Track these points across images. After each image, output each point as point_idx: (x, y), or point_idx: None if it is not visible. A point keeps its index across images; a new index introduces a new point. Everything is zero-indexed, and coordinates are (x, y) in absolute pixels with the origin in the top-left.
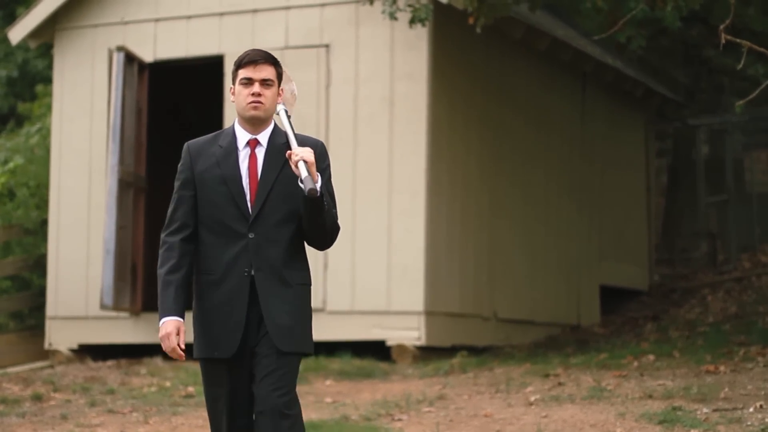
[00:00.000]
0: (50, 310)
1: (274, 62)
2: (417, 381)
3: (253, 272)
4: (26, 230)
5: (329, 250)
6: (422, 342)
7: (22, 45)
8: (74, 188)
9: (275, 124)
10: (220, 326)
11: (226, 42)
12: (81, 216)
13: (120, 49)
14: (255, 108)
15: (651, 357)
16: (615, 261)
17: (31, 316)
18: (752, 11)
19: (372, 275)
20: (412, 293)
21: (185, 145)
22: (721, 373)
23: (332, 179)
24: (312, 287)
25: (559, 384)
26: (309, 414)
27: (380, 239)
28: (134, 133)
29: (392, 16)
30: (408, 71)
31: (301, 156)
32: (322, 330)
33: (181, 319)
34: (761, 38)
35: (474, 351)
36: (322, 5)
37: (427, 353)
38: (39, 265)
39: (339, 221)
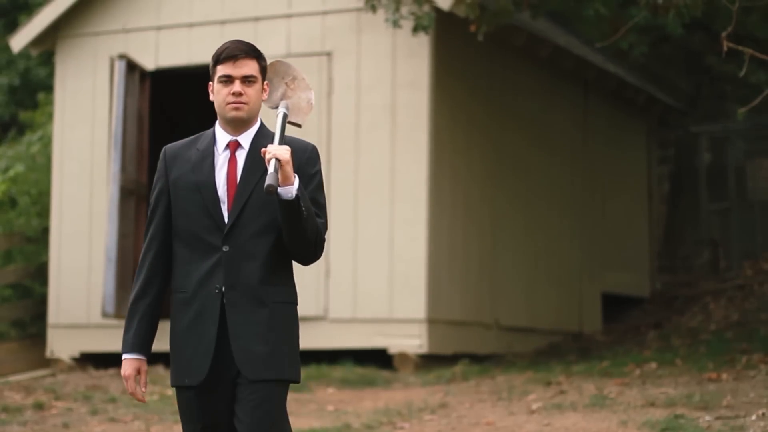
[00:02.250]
0: (52, 318)
1: (257, 55)
2: (419, 389)
3: (224, 289)
4: (28, 238)
5: (331, 258)
6: (424, 350)
7: (24, 53)
8: (76, 196)
9: (261, 124)
10: (191, 350)
11: None
12: (82, 224)
13: (121, 57)
14: (236, 109)
15: (653, 365)
16: (617, 268)
17: (32, 324)
18: (754, 18)
19: (374, 283)
20: (414, 301)
21: (163, 149)
22: (723, 380)
23: (332, 186)
24: (313, 295)
25: (561, 392)
26: (311, 422)
27: (382, 247)
28: (136, 141)
29: (396, 24)
30: (410, 79)
31: (274, 153)
32: (324, 338)
33: (142, 357)
34: (763, 45)
35: (476, 359)
36: (324, 13)
37: (429, 361)
38: (40, 273)
39: (342, 228)
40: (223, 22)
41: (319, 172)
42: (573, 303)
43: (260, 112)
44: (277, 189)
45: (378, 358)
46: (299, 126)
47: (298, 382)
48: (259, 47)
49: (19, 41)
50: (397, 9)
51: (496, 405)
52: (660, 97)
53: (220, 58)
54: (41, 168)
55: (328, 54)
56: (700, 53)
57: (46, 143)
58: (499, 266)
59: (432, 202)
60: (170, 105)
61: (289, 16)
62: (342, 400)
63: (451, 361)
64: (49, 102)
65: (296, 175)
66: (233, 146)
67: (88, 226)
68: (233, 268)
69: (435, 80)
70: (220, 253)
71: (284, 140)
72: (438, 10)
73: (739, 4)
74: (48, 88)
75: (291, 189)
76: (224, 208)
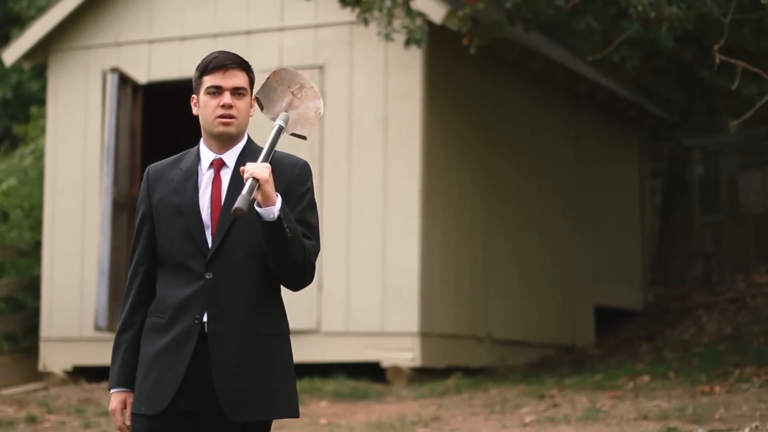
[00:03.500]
0: (44, 331)
1: (246, 67)
2: (412, 402)
3: (205, 320)
4: (20, 252)
5: (324, 271)
6: (417, 363)
7: (17, 66)
8: (68, 209)
9: (248, 140)
10: (156, 378)
11: None
12: (75, 237)
13: (114, 70)
14: (225, 124)
15: (646, 378)
16: (610, 281)
17: (25, 337)
18: (746, 32)
19: (366, 296)
20: (407, 314)
21: (147, 169)
22: (716, 393)
23: (324, 199)
24: (306, 309)
25: (554, 405)
26: None
27: (375, 260)
28: (128, 154)
29: (388, 38)
30: (402, 92)
31: (251, 172)
32: (317, 351)
33: (129, 390)
34: (755, 58)
35: (469, 372)
36: (316, 26)
37: (422, 374)
38: (33, 287)
39: (335, 241)
40: (215, 36)
41: (311, 190)
42: (566, 316)
43: (252, 126)
44: (245, 213)
45: (371, 372)
46: (304, 138)
47: (296, 416)
48: (251, 60)
49: (11, 55)
50: (390, 22)
51: (489, 418)
52: (652, 111)
53: (208, 68)
54: (34, 181)
55: (321, 67)
56: (692, 66)
57: (39, 156)
58: (492, 279)
59: (424, 214)
60: (163, 118)
61: (281, 29)
62: (335, 413)
63: (444, 375)
64: (42, 115)
65: (279, 195)
66: (217, 165)
67: (81, 239)
68: (217, 297)
69: (427, 93)
70: (203, 281)
71: (273, 156)
72: (430, 24)
73: (731, 17)
74: (41, 101)
75: (272, 210)
76: (208, 232)
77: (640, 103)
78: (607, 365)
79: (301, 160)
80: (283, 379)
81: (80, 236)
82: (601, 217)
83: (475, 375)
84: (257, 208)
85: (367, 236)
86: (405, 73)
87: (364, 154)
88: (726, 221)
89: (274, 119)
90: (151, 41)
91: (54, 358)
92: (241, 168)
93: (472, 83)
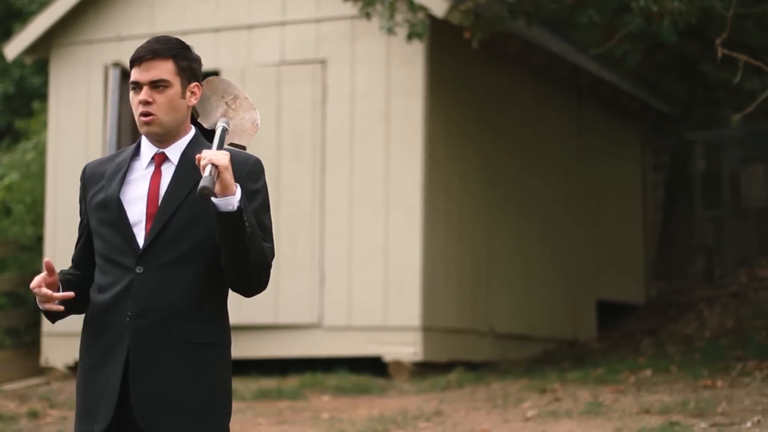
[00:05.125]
0: (46, 326)
1: (173, 54)
2: (414, 397)
3: (131, 317)
4: (22, 246)
5: (326, 266)
6: (419, 358)
7: (18, 61)
8: (70, 204)
9: (195, 134)
10: (98, 391)
11: (221, 57)
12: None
13: (116, 64)
14: (147, 123)
15: (648, 372)
16: (612, 276)
17: (27, 332)
18: (749, 25)
19: (368, 291)
20: (409, 309)
21: (84, 166)
22: (718, 387)
23: (326, 193)
24: (308, 303)
25: (556, 399)
26: (306, 430)
27: (377, 255)
28: None
29: (390, 32)
30: (404, 86)
31: (210, 158)
32: (319, 346)
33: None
34: (758, 52)
35: (471, 366)
36: (318, 21)
37: (424, 369)
38: None
39: (337, 236)
40: (216, 30)
41: (264, 188)
42: (568, 310)
43: (192, 121)
44: (212, 192)
45: (373, 366)
46: (244, 148)
47: None
48: (252, 54)
49: (12, 49)
50: (392, 16)
51: (491, 412)
52: (654, 105)
53: (131, 61)
54: (36, 176)
55: (323, 61)
56: (694, 60)
57: (41, 151)
58: (494, 274)
59: (426, 209)
60: None
61: (283, 23)
62: (337, 407)
63: (445, 369)
64: (44, 110)
65: (238, 186)
66: (159, 159)
67: None
68: (144, 292)
69: (430, 87)
70: (132, 275)
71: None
72: (432, 18)
73: (733, 11)
74: (43, 96)
75: (231, 200)
76: (140, 227)
77: (643, 97)
78: (609, 359)
79: (253, 156)
80: (209, 394)
81: None
82: (603, 211)
83: (477, 369)
84: (213, 199)
85: (369, 231)
86: (407, 67)
87: (366, 149)
88: (728, 215)
89: (211, 127)
90: (152, 36)
91: (56, 353)
92: (197, 155)
93: (474, 78)
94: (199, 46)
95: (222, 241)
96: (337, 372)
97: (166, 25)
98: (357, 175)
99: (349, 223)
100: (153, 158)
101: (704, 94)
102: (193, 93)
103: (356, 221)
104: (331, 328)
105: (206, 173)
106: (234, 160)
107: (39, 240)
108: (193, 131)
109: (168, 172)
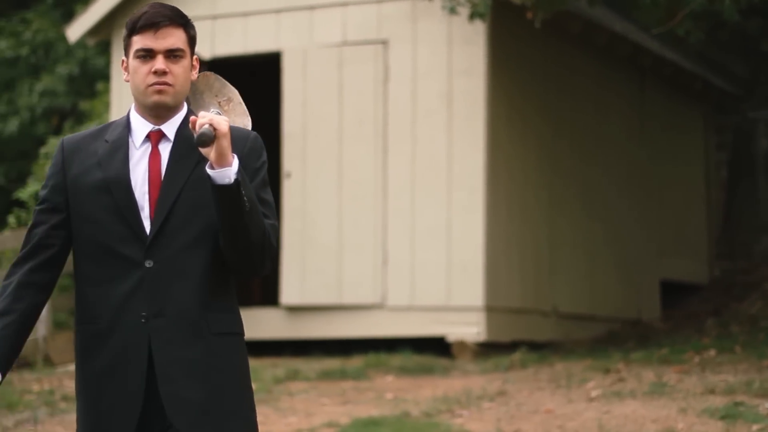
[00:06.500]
0: None
1: (183, 23)
2: (477, 377)
3: (148, 317)
4: None
5: (389, 246)
6: (482, 338)
7: (82, 42)
8: None
9: (188, 110)
10: (110, 399)
11: (283, 39)
12: None
13: None
14: (160, 92)
15: (712, 352)
16: (675, 255)
17: None
18: None
19: (431, 271)
20: (472, 289)
21: (59, 141)
22: None
23: (389, 174)
24: (371, 283)
25: (620, 379)
26: (369, 410)
27: (439, 235)
28: None
29: (452, 11)
30: (466, 67)
31: (209, 119)
32: (382, 326)
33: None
34: None
35: (534, 346)
36: (380, 1)
37: (487, 349)
38: None
39: (400, 216)
40: (278, 11)
41: (265, 165)
42: (632, 290)
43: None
44: (213, 140)
45: (436, 346)
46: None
47: None
48: (314, 35)
49: (75, 31)
50: None
51: (555, 393)
52: (717, 83)
53: (136, 27)
54: None
55: (384, 42)
56: (756, 38)
57: None
58: (558, 253)
59: (489, 189)
60: None
61: (344, 4)
62: (400, 388)
63: (509, 349)
64: (107, 91)
65: (235, 156)
66: (155, 137)
67: None
68: (160, 289)
69: (491, 68)
70: (143, 270)
71: None
72: None
73: None
74: (106, 77)
75: (228, 172)
76: (145, 213)
77: (705, 76)
78: (673, 340)
79: (253, 132)
80: (240, 388)
81: None
82: (667, 191)
83: (541, 349)
84: (209, 170)
85: (431, 211)
86: (468, 47)
87: (428, 130)
88: None
89: None
90: (214, 17)
91: None
92: (192, 117)
93: (536, 59)
94: (260, 27)
95: (220, 218)
96: (400, 352)
97: (228, 6)
98: (419, 155)
99: (411, 203)
100: (148, 136)
101: (767, 73)
102: (194, 67)
103: (419, 201)
104: (395, 308)
105: (202, 130)
106: (234, 136)
107: None
108: (185, 107)
109: (166, 151)
